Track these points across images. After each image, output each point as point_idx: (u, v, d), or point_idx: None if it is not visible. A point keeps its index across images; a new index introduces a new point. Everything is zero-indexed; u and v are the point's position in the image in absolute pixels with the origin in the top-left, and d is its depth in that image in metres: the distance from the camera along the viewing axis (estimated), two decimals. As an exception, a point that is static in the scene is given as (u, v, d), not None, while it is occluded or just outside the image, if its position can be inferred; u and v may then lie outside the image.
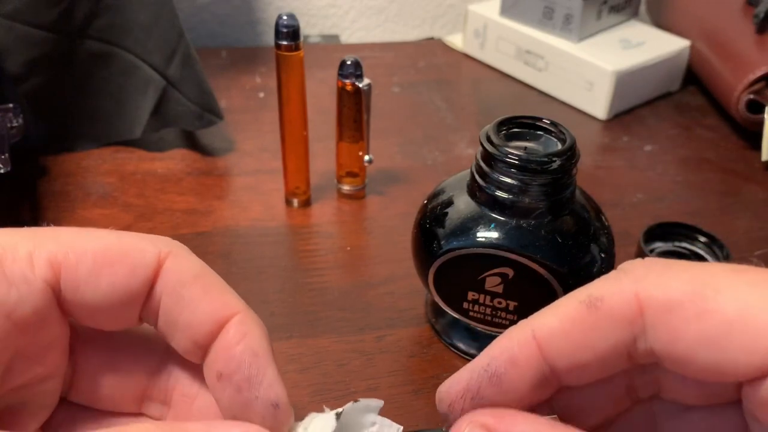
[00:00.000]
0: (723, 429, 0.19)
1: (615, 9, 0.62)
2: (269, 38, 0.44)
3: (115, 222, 0.44)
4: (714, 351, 0.16)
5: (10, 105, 0.41)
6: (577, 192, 0.33)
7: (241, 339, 0.20)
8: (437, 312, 0.37)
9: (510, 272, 0.31)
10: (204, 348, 0.20)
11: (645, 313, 0.17)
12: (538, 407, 0.20)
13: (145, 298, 0.20)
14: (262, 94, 0.59)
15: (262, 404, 0.20)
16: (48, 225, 0.22)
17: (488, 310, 0.33)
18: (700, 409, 0.20)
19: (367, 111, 0.43)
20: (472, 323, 0.34)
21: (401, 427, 0.22)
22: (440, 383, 0.34)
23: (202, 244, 0.42)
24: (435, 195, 0.35)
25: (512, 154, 0.30)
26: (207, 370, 0.21)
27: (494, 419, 0.18)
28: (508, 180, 0.31)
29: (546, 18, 0.60)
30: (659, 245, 0.43)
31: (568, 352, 0.18)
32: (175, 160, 0.50)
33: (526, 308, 0.32)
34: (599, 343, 0.18)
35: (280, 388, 0.20)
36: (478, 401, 0.19)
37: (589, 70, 0.57)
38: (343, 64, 0.42)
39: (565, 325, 0.18)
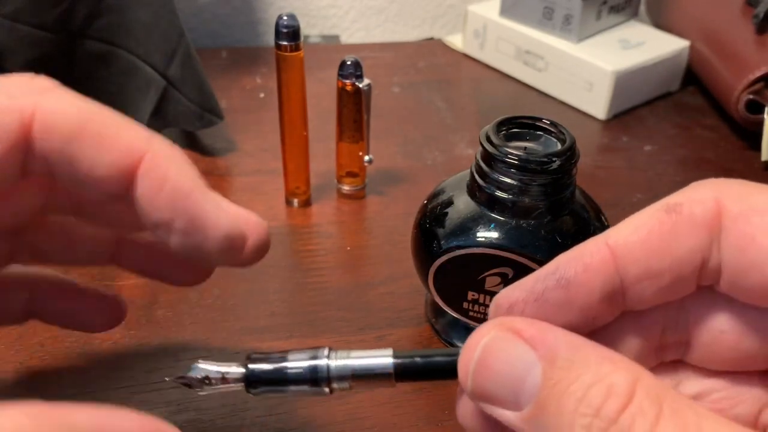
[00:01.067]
0: (743, 401, 0.19)
1: (615, 9, 0.62)
2: (270, 38, 0.44)
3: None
4: None
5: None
6: (577, 192, 0.33)
7: (161, 185, 0.18)
8: (437, 312, 0.37)
9: (510, 272, 0.31)
10: (123, 199, 0.19)
11: (723, 218, 0.17)
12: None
13: (19, 171, 0.18)
14: (262, 95, 0.59)
15: (215, 242, 0.19)
16: None
17: (488, 310, 0.33)
18: (722, 377, 0.19)
19: (367, 111, 0.43)
20: (472, 323, 0.34)
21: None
22: (441, 384, 0.34)
23: (202, 244, 0.42)
24: (435, 195, 0.35)
25: (512, 154, 0.30)
26: (143, 220, 0.19)
27: (526, 325, 0.17)
28: (508, 180, 0.31)
29: (546, 18, 0.60)
30: (659, 245, 0.43)
31: (642, 258, 0.18)
32: (175, 160, 0.50)
33: (526, 308, 0.32)
34: (676, 248, 0.17)
35: (226, 218, 0.19)
36: (541, 306, 0.18)
37: (589, 70, 0.57)
38: (343, 64, 0.42)
39: (641, 232, 0.18)
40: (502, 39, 0.64)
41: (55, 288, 0.26)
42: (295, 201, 0.46)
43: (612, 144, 0.55)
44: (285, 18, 0.40)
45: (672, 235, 0.18)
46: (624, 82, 0.57)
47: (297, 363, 0.20)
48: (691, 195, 0.18)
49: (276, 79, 0.42)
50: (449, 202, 0.33)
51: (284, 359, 0.21)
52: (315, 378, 0.20)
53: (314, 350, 0.21)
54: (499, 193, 0.31)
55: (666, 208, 0.18)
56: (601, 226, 0.33)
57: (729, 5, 0.59)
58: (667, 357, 0.20)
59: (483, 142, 0.31)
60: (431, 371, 0.20)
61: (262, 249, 0.21)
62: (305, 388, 0.21)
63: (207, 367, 0.21)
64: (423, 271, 0.34)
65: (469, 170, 0.33)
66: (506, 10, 0.63)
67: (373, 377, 0.20)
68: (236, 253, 0.20)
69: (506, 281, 0.32)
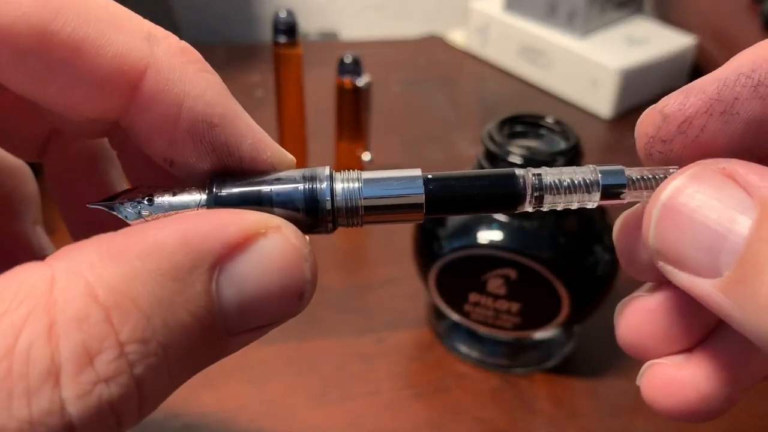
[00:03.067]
0: None
1: (619, 5, 0.61)
2: (267, 35, 0.43)
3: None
4: None
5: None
6: (582, 192, 0.32)
7: (175, 113, 0.13)
8: (438, 314, 0.36)
9: (513, 273, 0.31)
10: (112, 126, 0.14)
11: None
12: None
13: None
14: (260, 92, 0.59)
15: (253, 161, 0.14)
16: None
17: (490, 313, 0.32)
18: None
19: (366, 109, 0.43)
20: (474, 326, 0.33)
21: None
22: (441, 387, 0.33)
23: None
24: (436, 195, 0.34)
25: (515, 153, 0.30)
26: (147, 151, 0.14)
27: (742, 166, 0.13)
28: (511, 180, 0.30)
29: (549, 13, 0.60)
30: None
31: None
32: (172, 159, 0.50)
33: (530, 310, 0.32)
34: None
35: (272, 156, 0.14)
36: (728, 121, 0.14)
37: (594, 68, 0.57)
38: (342, 61, 0.42)
39: None
40: (504, 36, 0.63)
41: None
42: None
43: (617, 143, 0.55)
44: (283, 14, 0.39)
45: None
46: (629, 79, 0.56)
47: (285, 188, 0.14)
48: None
49: (274, 77, 0.41)
50: (450, 203, 0.33)
51: (267, 183, 0.14)
52: (314, 209, 0.14)
53: (310, 170, 0.15)
54: (501, 193, 0.30)
55: None
56: (606, 227, 0.32)
57: (735, 1, 0.58)
58: None
59: (485, 141, 0.31)
60: (476, 201, 0.15)
61: None
62: (299, 218, 0.14)
63: (150, 190, 0.14)
64: (424, 273, 0.33)
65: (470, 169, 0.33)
66: (510, 5, 0.62)
67: (395, 209, 0.14)
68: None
69: (509, 283, 0.31)
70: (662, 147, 0.15)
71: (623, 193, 0.15)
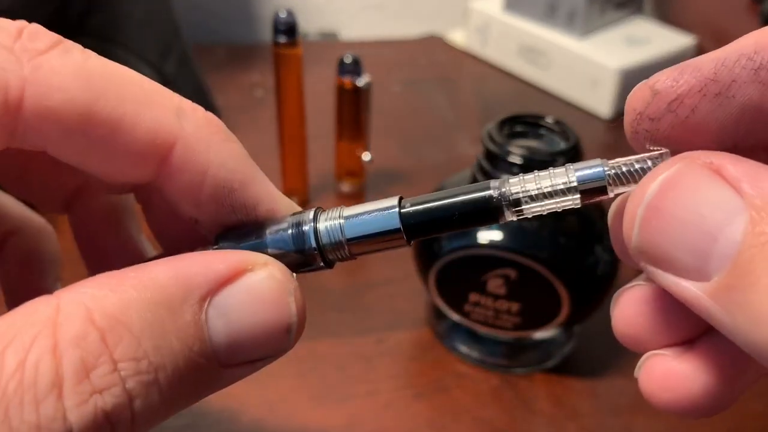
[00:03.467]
0: None
1: (619, 5, 0.61)
2: (267, 35, 0.43)
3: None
4: None
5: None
6: (582, 192, 0.32)
7: (201, 179, 0.15)
8: (438, 314, 0.36)
9: (513, 274, 0.31)
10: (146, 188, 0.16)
11: None
12: None
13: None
14: (259, 92, 0.59)
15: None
16: None
17: (490, 313, 0.32)
18: None
19: (366, 109, 0.43)
20: (474, 326, 0.33)
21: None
22: (441, 387, 0.33)
23: (198, 245, 0.42)
24: (436, 195, 0.34)
25: (515, 153, 0.30)
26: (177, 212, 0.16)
27: (730, 160, 0.12)
28: (511, 180, 0.30)
29: (549, 13, 0.60)
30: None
31: None
32: (171, 160, 0.50)
33: (530, 310, 0.32)
34: None
35: (275, 201, 0.16)
36: (722, 104, 0.13)
37: (593, 68, 0.57)
38: (342, 61, 0.42)
39: None
40: (504, 36, 0.63)
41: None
42: (294, 200, 0.45)
43: (617, 143, 0.55)
44: (283, 14, 0.39)
45: None
46: (629, 79, 0.56)
47: (276, 237, 0.16)
48: None
49: (273, 77, 0.41)
50: (450, 203, 0.33)
51: (260, 234, 0.16)
52: (302, 252, 0.16)
53: (297, 216, 0.16)
54: (501, 193, 0.30)
55: None
56: (606, 227, 0.32)
57: (735, 1, 0.58)
58: None
59: (485, 141, 0.31)
60: (453, 221, 0.15)
61: None
62: (292, 258, 0.16)
63: None
64: (424, 273, 0.33)
65: (470, 170, 0.33)
66: (509, 5, 0.62)
67: (377, 238, 0.16)
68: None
69: (509, 283, 0.31)
70: (649, 125, 0.14)
71: (606, 189, 0.14)
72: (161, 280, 0.13)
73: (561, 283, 0.30)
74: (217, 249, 0.16)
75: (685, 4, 0.64)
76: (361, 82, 0.42)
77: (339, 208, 0.16)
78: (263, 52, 0.64)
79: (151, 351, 0.13)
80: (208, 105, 0.48)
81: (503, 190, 0.15)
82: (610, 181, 0.14)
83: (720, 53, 0.13)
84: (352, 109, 0.43)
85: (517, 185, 0.15)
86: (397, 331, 0.36)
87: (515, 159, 0.30)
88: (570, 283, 0.30)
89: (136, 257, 0.20)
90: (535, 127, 0.32)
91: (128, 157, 0.14)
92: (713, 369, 0.14)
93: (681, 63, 0.14)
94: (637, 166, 0.14)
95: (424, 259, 0.33)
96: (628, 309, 0.15)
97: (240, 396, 0.32)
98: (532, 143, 0.32)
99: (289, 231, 0.16)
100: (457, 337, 0.35)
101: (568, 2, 0.58)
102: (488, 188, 0.15)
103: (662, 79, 0.14)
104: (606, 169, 0.14)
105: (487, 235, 0.31)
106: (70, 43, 0.14)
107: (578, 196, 0.15)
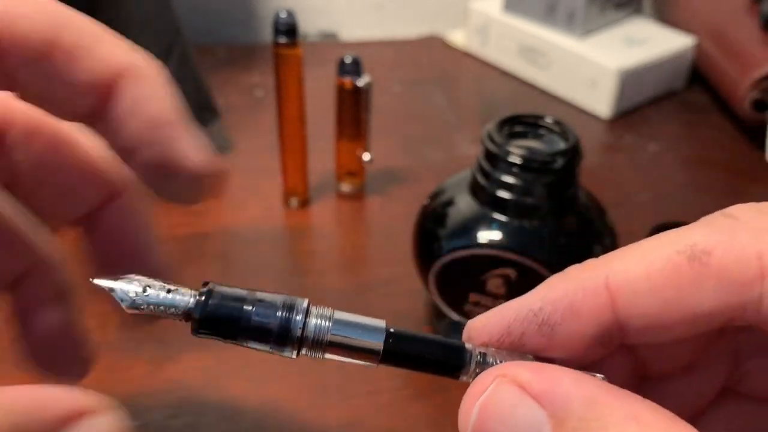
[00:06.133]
0: None
1: (618, 5, 0.61)
2: (267, 35, 0.43)
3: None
4: None
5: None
6: (581, 192, 0.33)
7: (137, 108, 0.16)
8: (438, 314, 0.36)
9: (512, 273, 0.31)
10: (94, 120, 0.17)
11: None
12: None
13: None
14: (260, 93, 0.59)
15: (180, 182, 0.17)
16: None
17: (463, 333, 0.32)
18: None
19: (366, 109, 0.43)
20: (474, 326, 0.33)
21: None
22: (441, 387, 0.33)
23: (199, 245, 0.42)
24: (436, 195, 0.34)
25: (515, 153, 0.30)
26: (110, 142, 0.18)
27: (532, 374, 0.14)
28: (511, 179, 0.30)
29: (549, 14, 0.60)
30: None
31: (651, 309, 0.15)
32: (172, 160, 0.50)
33: (529, 311, 0.32)
34: (696, 304, 0.14)
35: (199, 161, 0.17)
36: (517, 348, 0.16)
37: (593, 68, 0.57)
38: (342, 61, 0.42)
39: (653, 276, 0.14)
40: (504, 36, 0.63)
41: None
42: (294, 201, 0.45)
43: (616, 143, 0.55)
44: (283, 14, 0.39)
45: (693, 291, 0.14)
46: (628, 80, 0.56)
47: (265, 311, 0.16)
48: (726, 242, 0.14)
49: (274, 77, 0.41)
50: (450, 202, 0.33)
51: (250, 302, 0.16)
52: (284, 336, 0.16)
53: (290, 299, 0.16)
54: (501, 193, 0.31)
55: (689, 254, 0.14)
56: (605, 226, 0.33)
57: (734, 2, 0.58)
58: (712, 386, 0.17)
59: (485, 141, 0.31)
60: (425, 363, 0.17)
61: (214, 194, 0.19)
62: (266, 347, 0.16)
63: (149, 281, 0.16)
64: (423, 273, 0.33)
65: (470, 170, 0.33)
66: (509, 6, 0.62)
67: (354, 350, 0.16)
68: (196, 195, 0.18)
69: (509, 283, 0.31)
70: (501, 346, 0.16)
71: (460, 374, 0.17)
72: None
73: (560, 282, 0.30)
74: (200, 311, 0.16)
75: (685, 5, 0.64)
76: (361, 82, 0.42)
77: (329, 309, 0.17)
78: (264, 52, 0.64)
79: None
80: (209, 105, 0.49)
81: (476, 352, 0.16)
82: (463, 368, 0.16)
83: (519, 305, 0.16)
84: (352, 109, 0.43)
85: (488, 356, 0.16)
86: (397, 330, 0.36)
87: (515, 159, 0.30)
88: (569, 283, 0.30)
89: (76, 342, 0.21)
90: (534, 127, 0.32)
91: (85, 83, 0.16)
92: None
93: (499, 306, 0.16)
94: (490, 360, 0.16)
95: (424, 259, 0.33)
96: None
97: (240, 396, 0.32)
98: (532, 143, 0.32)
99: (279, 313, 0.16)
100: (457, 337, 0.35)
101: (567, 3, 0.58)
102: (463, 348, 0.16)
103: (476, 323, 0.17)
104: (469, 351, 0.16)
105: (487, 235, 0.31)
106: None
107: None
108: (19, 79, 0.16)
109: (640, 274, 0.15)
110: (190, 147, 0.17)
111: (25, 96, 0.17)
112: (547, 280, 0.16)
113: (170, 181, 0.17)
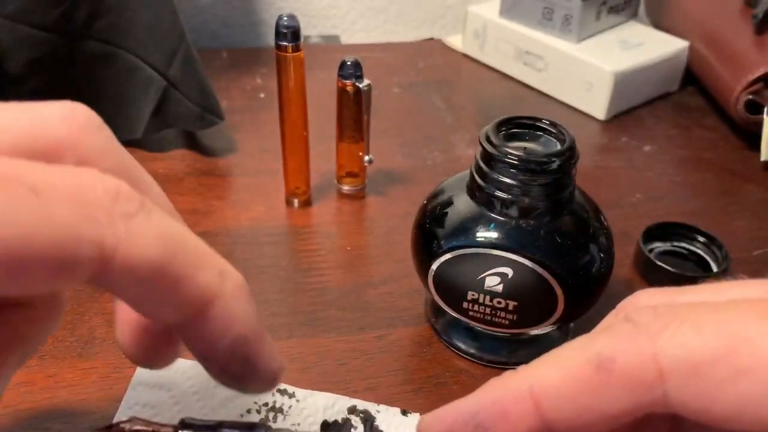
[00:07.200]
0: None
1: (614, 10, 0.62)
2: (270, 39, 0.44)
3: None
4: (763, 409, 0.15)
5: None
6: (577, 192, 0.33)
7: (226, 331, 0.17)
8: (437, 311, 0.37)
9: (509, 272, 0.31)
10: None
11: (667, 378, 0.15)
12: None
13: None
14: (262, 95, 0.59)
15: (255, 384, 0.19)
16: None
17: (488, 310, 0.33)
18: None
19: (367, 111, 0.43)
20: (472, 323, 0.34)
21: None
22: (440, 383, 0.34)
23: (202, 244, 0.42)
24: (435, 195, 0.35)
25: (512, 154, 0.30)
26: (192, 352, 0.18)
27: None
28: (508, 180, 0.31)
29: (545, 19, 0.60)
30: (658, 245, 0.43)
31: (569, 413, 0.16)
32: (175, 161, 0.50)
33: (526, 308, 0.32)
34: (608, 406, 0.16)
35: (275, 368, 0.19)
36: None
37: (589, 70, 0.58)
38: (343, 64, 0.42)
39: (568, 384, 0.16)
40: (501, 39, 0.64)
41: None
42: (296, 201, 0.46)
43: (611, 144, 0.55)
44: (285, 18, 0.40)
45: (603, 395, 0.16)
46: (623, 82, 0.57)
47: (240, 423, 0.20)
48: (627, 348, 0.16)
49: (276, 80, 0.42)
50: (449, 202, 0.33)
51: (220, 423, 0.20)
52: None
53: (249, 428, 0.20)
54: (498, 193, 0.31)
55: (597, 363, 0.16)
56: (601, 226, 0.33)
57: (728, 6, 0.59)
58: None
59: (483, 143, 0.31)
60: None
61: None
62: None
63: (137, 419, 0.20)
64: (423, 271, 0.34)
65: (468, 170, 0.33)
66: (506, 11, 0.63)
67: None
68: (262, 392, 0.20)
69: (505, 281, 0.32)
70: None
71: None
72: None
73: (556, 281, 0.31)
74: None
75: (679, 9, 0.65)
76: (362, 84, 0.42)
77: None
78: (266, 55, 0.65)
79: None
80: (213, 107, 0.49)
81: None
82: None
83: (459, 408, 0.17)
84: (353, 111, 0.43)
85: None
86: (396, 327, 0.37)
87: (512, 160, 0.30)
88: (565, 282, 0.31)
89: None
90: (531, 129, 0.33)
91: (177, 306, 0.17)
92: None
93: (444, 407, 0.17)
94: None
95: (423, 258, 0.33)
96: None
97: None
98: (529, 144, 0.33)
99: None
100: (456, 334, 0.36)
101: (563, 7, 0.59)
102: None
103: (425, 421, 0.18)
104: None
105: (485, 234, 0.31)
106: (150, 205, 0.16)
107: None
108: (120, 295, 0.17)
109: (557, 381, 0.16)
110: (270, 360, 0.18)
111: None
112: (487, 382, 0.17)
113: (245, 385, 0.19)
